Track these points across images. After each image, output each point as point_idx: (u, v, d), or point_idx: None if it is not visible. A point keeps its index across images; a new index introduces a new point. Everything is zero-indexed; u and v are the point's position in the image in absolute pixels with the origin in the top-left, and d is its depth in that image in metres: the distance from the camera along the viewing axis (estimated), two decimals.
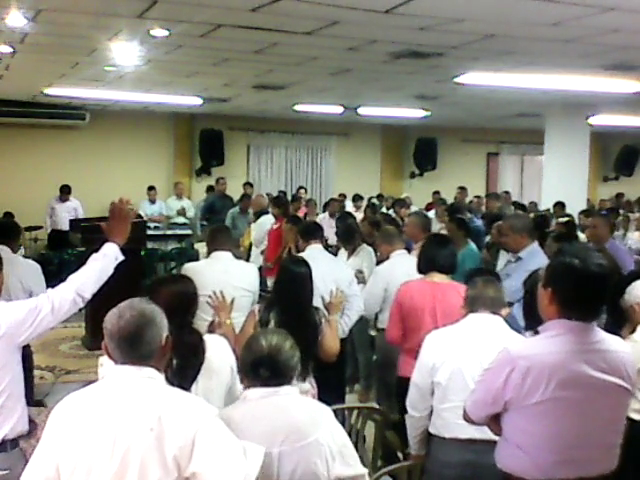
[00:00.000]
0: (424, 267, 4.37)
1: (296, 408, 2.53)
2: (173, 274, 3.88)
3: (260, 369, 2.52)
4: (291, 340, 2.68)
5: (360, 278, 5.67)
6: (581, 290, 2.45)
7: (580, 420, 2.47)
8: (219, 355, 3.06)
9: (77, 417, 2.19)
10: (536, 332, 2.75)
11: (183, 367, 2.89)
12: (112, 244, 3.18)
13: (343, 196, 13.28)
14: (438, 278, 4.25)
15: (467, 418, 2.77)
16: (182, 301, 3.08)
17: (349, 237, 6.36)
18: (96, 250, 3.17)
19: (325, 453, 2.46)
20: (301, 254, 4.96)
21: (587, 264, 2.43)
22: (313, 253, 5.02)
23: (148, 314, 2.27)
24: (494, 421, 2.64)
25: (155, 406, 2.17)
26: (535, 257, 4.92)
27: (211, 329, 3.68)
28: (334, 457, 2.48)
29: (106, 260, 3.13)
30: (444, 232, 7.94)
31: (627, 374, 2.52)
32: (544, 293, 2.52)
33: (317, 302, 4.09)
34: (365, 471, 2.59)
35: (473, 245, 6.70)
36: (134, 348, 2.23)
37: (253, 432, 2.41)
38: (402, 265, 5.16)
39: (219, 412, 2.36)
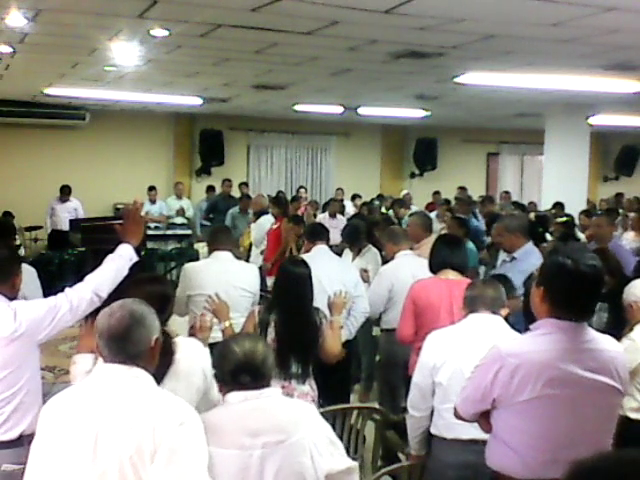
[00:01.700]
0: (436, 267, 4.36)
1: (278, 408, 2.50)
2: (149, 274, 3.86)
3: (240, 376, 2.47)
4: (262, 341, 2.67)
5: (365, 277, 5.66)
6: (572, 290, 2.45)
7: (569, 419, 2.46)
8: (190, 358, 3.01)
9: (62, 415, 2.22)
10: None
11: None
12: (127, 245, 3.32)
13: (341, 190, 13.27)
14: (453, 275, 4.24)
15: (457, 415, 2.77)
16: (155, 302, 3.05)
17: (355, 238, 6.36)
18: (109, 251, 3.30)
19: (311, 451, 2.42)
20: (307, 255, 4.95)
21: (579, 264, 2.42)
22: (319, 254, 5.02)
23: (138, 315, 2.31)
24: (484, 418, 2.64)
25: (138, 406, 2.20)
26: (529, 257, 4.92)
27: (192, 332, 3.62)
28: (321, 453, 2.44)
29: (121, 261, 3.27)
30: (444, 232, 7.95)
31: (617, 374, 2.51)
32: (536, 291, 2.53)
33: (321, 303, 4.08)
34: (356, 464, 2.56)
35: (471, 244, 6.71)
36: (122, 347, 2.26)
37: (233, 434, 2.38)
38: (407, 265, 5.15)
39: (201, 416, 2.35)
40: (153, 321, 2.35)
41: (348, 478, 2.52)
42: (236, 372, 2.48)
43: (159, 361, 2.88)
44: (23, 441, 2.90)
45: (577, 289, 2.45)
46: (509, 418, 2.51)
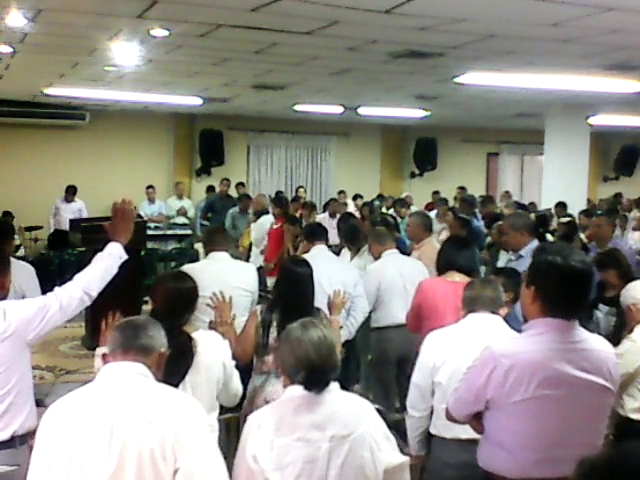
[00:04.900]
0: (443, 267, 4.37)
1: (341, 403, 2.53)
2: (175, 271, 3.90)
3: (310, 378, 2.46)
4: (328, 328, 2.67)
5: None
6: (563, 287, 2.46)
7: (561, 419, 2.47)
8: (210, 351, 3.09)
9: (71, 414, 2.25)
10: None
11: (170, 369, 2.91)
12: (116, 243, 3.25)
13: (343, 194, 13.21)
14: (459, 277, 4.22)
15: (449, 416, 2.77)
16: (183, 298, 3.13)
17: (353, 238, 6.37)
18: (99, 250, 3.24)
19: (371, 445, 2.48)
20: (306, 255, 4.96)
21: (569, 261, 2.45)
22: (318, 254, 5.04)
23: (154, 321, 2.50)
24: (476, 420, 2.65)
25: (152, 401, 2.25)
26: None
27: (212, 327, 3.70)
28: (380, 448, 2.50)
29: (111, 259, 3.20)
30: (445, 232, 7.96)
31: (609, 373, 2.52)
32: (527, 292, 2.54)
33: (321, 303, 4.08)
34: (407, 459, 2.62)
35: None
36: (138, 335, 2.36)
37: (299, 427, 2.41)
38: (393, 263, 5.27)
39: (262, 410, 2.49)
40: (163, 336, 2.47)
41: (402, 473, 2.58)
42: (307, 378, 2.46)
43: (180, 362, 2.93)
44: (15, 442, 2.91)
45: (569, 285, 2.46)
46: (502, 419, 2.51)
